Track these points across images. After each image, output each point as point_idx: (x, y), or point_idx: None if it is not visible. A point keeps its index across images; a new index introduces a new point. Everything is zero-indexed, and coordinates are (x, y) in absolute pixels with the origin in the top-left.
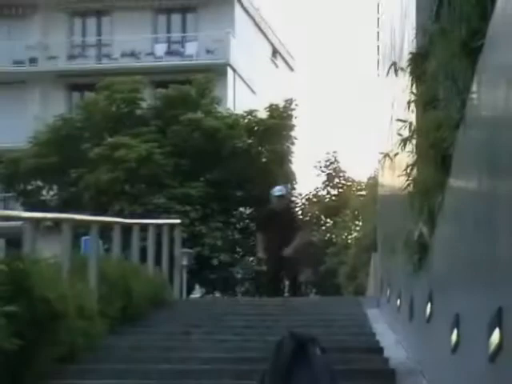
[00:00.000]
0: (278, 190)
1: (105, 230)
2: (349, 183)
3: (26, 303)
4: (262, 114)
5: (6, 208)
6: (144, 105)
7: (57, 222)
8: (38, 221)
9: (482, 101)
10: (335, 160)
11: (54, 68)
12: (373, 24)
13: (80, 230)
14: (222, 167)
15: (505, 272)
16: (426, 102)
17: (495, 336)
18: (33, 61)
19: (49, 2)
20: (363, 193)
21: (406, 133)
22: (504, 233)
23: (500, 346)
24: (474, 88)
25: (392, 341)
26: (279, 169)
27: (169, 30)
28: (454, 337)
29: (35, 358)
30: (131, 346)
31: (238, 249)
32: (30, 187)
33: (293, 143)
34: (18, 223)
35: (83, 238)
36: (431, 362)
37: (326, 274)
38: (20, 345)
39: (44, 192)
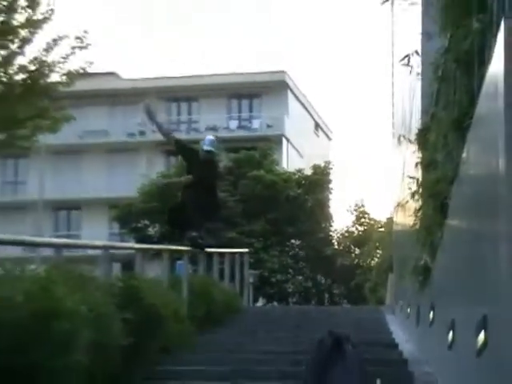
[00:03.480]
0: (208, 144)
1: (193, 257)
2: (372, 222)
3: (137, 310)
4: (308, 172)
5: (121, 241)
6: (221, 165)
7: (158, 251)
8: (145, 250)
9: (470, 164)
10: (362, 205)
11: (157, 139)
12: (388, 103)
13: (175, 256)
14: (278, 210)
15: (488, 289)
16: (428, 164)
17: (481, 337)
18: (142, 133)
19: (153, 91)
20: (382, 229)
21: (413, 186)
22: (487, 260)
23: (485, 344)
24: (465, 154)
25: (404, 339)
26: (320, 211)
27: (239, 111)
28: (449, 337)
29: (143, 351)
30: (212, 341)
31: (289, 270)
32: (139, 225)
33: (330, 193)
34: (131, 252)
35: (177, 262)
36: (433, 355)
37: (355, 288)
38: (132, 341)
39: (150, 229)
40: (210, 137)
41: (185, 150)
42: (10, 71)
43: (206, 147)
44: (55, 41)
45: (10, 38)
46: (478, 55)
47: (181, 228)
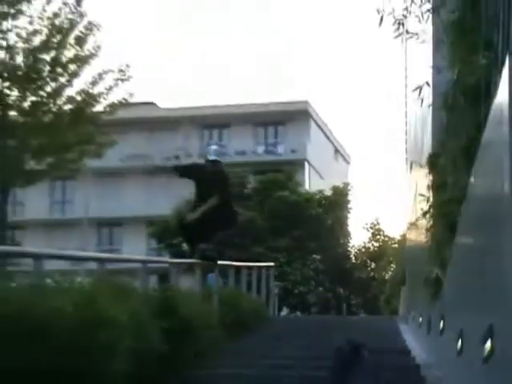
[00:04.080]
0: (212, 153)
1: (222, 270)
2: (386, 239)
3: (172, 319)
4: (328, 193)
5: (158, 255)
6: (249, 186)
7: (191, 265)
8: (179, 264)
9: (477, 187)
10: (377, 223)
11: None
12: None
13: (206, 269)
14: (301, 228)
15: (494, 301)
16: (438, 186)
17: (488, 345)
18: (177, 157)
19: (188, 119)
20: (396, 245)
21: (425, 206)
22: (492, 274)
23: (491, 351)
24: (472, 178)
25: (416, 346)
26: (339, 228)
27: (266, 137)
28: (459, 345)
29: (178, 356)
30: (240, 345)
31: (311, 282)
32: (174, 241)
33: (349, 211)
34: (167, 265)
35: (209, 274)
36: (443, 362)
37: (371, 299)
38: (167, 348)
39: (183, 244)
40: (213, 146)
41: (187, 170)
42: (60, 102)
43: (210, 157)
44: (100, 74)
45: (60, 72)
46: (483, 88)
47: (191, 241)
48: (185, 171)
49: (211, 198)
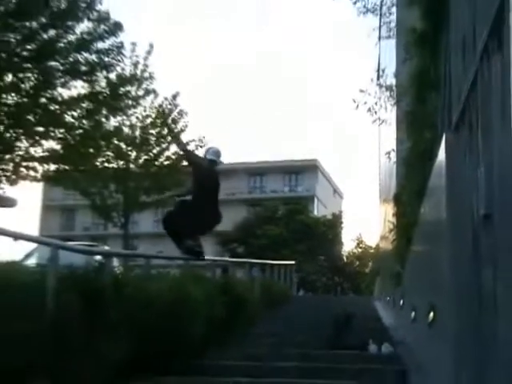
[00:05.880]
0: (211, 153)
1: (262, 266)
2: (366, 247)
3: (230, 297)
4: (329, 217)
5: (221, 256)
6: (279, 212)
7: (242, 263)
8: (235, 262)
9: (425, 215)
10: (360, 236)
11: (239, 197)
12: (377, 177)
13: (252, 265)
14: (312, 239)
15: (433, 287)
16: (400, 214)
17: (431, 315)
18: (233, 194)
19: (240, 169)
20: (372, 251)
21: (391, 226)
22: (431, 270)
23: (433, 319)
24: (422, 210)
25: (385, 315)
26: (336, 240)
27: (290, 181)
28: (412, 315)
29: (235, 321)
30: (274, 314)
31: (318, 274)
32: (231, 246)
33: (342, 229)
34: (227, 262)
35: (253, 269)
36: (402, 326)
37: (357, 285)
38: (228, 315)
39: (238, 249)
40: (215, 147)
41: (193, 159)
42: (162, 159)
43: (209, 156)
44: (188, 143)
45: (162, 141)
46: (429, 153)
47: (177, 236)
48: (191, 158)
49: (194, 194)
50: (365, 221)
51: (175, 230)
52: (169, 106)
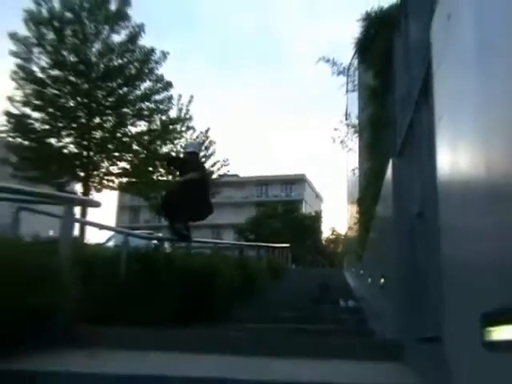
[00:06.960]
0: (188, 146)
1: (267, 248)
2: (339, 234)
3: (246, 270)
4: (313, 214)
5: (238, 241)
6: (278, 211)
7: (253, 246)
8: (248, 245)
9: (379, 212)
10: (334, 228)
11: (251, 200)
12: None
13: (260, 247)
14: (301, 229)
15: (383, 262)
16: (362, 212)
17: (382, 280)
18: (245, 197)
19: (250, 181)
20: (343, 237)
21: (356, 220)
22: (381, 251)
23: (383, 284)
24: (376, 211)
25: (351, 281)
26: (318, 230)
27: (286, 189)
28: (369, 280)
29: (249, 288)
30: (277, 282)
31: (306, 253)
32: (245, 234)
33: (322, 222)
34: (243, 246)
35: (261, 250)
36: (363, 288)
37: (332, 261)
38: (244, 284)
39: (250, 236)
40: (191, 141)
41: (175, 161)
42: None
43: (188, 149)
44: (215, 163)
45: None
46: (381, 172)
47: (171, 218)
48: (173, 160)
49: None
50: (337, 216)
51: (172, 215)
52: (203, 138)
